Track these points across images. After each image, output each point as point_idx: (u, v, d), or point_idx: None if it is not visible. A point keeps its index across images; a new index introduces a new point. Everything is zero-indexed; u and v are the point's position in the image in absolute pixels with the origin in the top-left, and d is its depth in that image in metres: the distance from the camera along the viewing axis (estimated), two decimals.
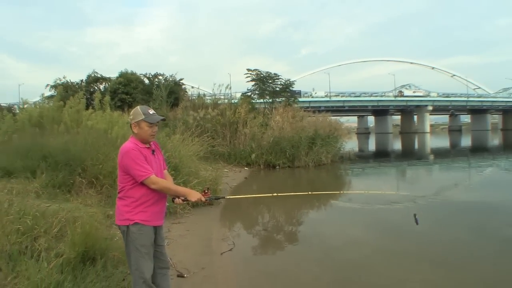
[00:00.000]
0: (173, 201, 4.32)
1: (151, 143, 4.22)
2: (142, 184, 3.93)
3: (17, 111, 20.56)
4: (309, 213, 12.61)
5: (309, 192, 5.08)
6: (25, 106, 18.03)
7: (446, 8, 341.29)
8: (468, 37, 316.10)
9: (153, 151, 4.20)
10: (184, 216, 9.71)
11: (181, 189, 4.32)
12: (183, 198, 4.22)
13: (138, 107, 4.23)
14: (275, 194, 5.11)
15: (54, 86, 32.81)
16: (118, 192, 4.10)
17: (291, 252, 8.16)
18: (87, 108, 15.48)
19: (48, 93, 31.63)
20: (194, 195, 4.15)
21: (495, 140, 61.25)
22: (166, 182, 4.14)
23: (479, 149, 43.32)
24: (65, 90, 26.88)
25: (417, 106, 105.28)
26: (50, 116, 14.47)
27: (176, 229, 8.62)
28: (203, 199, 4.18)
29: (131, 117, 4.13)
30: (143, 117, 4.05)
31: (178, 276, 5.93)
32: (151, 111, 4.15)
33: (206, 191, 4.34)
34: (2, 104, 43.05)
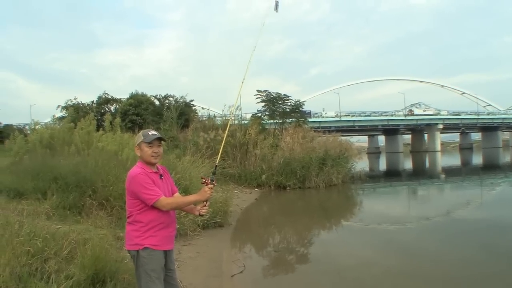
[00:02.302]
0: (201, 215, 4.33)
1: (159, 167, 4.22)
2: (151, 208, 3.93)
3: (29, 132, 20.69)
4: (320, 233, 12.55)
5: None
6: (37, 127, 18.14)
7: (453, 27, 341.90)
8: (476, 54, 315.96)
9: (161, 175, 4.19)
10: (194, 238, 9.68)
11: (191, 196, 4.29)
12: (202, 205, 4.21)
13: (141, 131, 4.27)
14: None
15: (65, 107, 32.99)
16: (127, 217, 4.09)
17: (302, 273, 8.12)
18: (97, 129, 15.54)
19: (59, 114, 31.84)
20: (203, 195, 4.09)
21: (506, 157, 60.89)
22: (175, 199, 4.15)
23: (490, 167, 43.10)
24: (76, 112, 27.09)
25: (427, 124, 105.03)
26: (61, 138, 14.54)
27: (187, 251, 8.58)
28: (210, 186, 4.11)
29: (135, 141, 4.18)
30: (142, 138, 4.08)
31: None
32: (151, 132, 4.17)
33: (206, 180, 4.20)
34: (13, 125, 43.36)
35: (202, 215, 4.36)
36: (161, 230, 4.00)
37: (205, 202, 4.20)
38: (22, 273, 5.00)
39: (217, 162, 4.75)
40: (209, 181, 4.15)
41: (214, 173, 4.37)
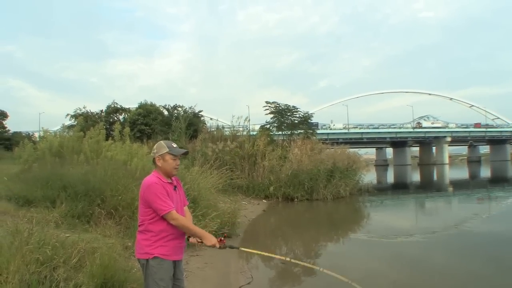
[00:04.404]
0: (187, 240, 4.34)
1: (173, 178, 4.27)
2: (163, 218, 3.97)
3: (38, 140, 20.73)
4: (327, 245, 12.54)
5: (320, 269, 5.24)
6: (46, 135, 18.19)
7: (462, 40, 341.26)
8: (485, 67, 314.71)
9: (175, 187, 4.24)
10: (202, 248, 9.66)
11: (198, 230, 4.31)
12: (199, 239, 4.24)
13: (162, 141, 4.32)
14: (288, 259, 5.15)
15: (74, 116, 33.17)
16: (139, 226, 4.14)
17: (308, 285, 8.11)
18: (106, 139, 15.58)
19: (68, 122, 31.98)
20: (210, 240, 4.18)
21: None
22: (185, 220, 4.16)
23: (498, 180, 42.93)
24: (85, 120, 27.13)
25: (436, 137, 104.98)
26: (70, 146, 14.55)
27: (194, 261, 8.58)
28: (217, 245, 4.19)
29: (155, 150, 4.21)
30: (168, 150, 4.13)
31: None
32: (175, 145, 4.25)
33: (223, 238, 4.36)
34: (22, 132, 43.55)
35: (188, 240, 4.38)
36: (171, 240, 4.05)
37: (202, 242, 4.25)
38: (31, 280, 5.02)
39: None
40: (222, 242, 4.29)
41: (231, 247, 4.50)
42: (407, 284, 7.65)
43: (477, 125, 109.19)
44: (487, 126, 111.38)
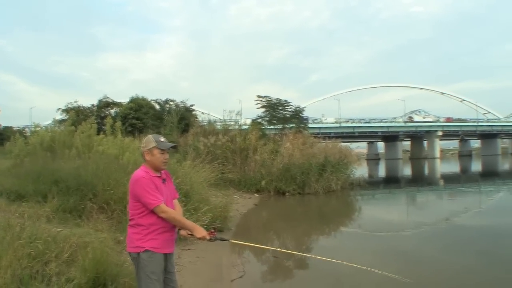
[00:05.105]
0: (178, 232, 4.35)
1: (162, 172, 4.27)
2: (152, 212, 3.98)
3: (29, 135, 20.68)
4: (319, 239, 12.58)
5: (313, 255, 5.35)
6: (37, 129, 18.14)
7: (453, 34, 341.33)
8: (476, 62, 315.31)
9: (164, 180, 4.25)
10: (194, 242, 9.67)
11: (188, 223, 4.33)
12: (189, 232, 4.26)
13: (150, 135, 4.32)
14: (279, 249, 5.21)
15: (66, 110, 33.05)
16: (129, 220, 4.16)
17: (300, 278, 8.13)
18: (98, 133, 15.55)
19: (59, 117, 31.86)
20: (200, 232, 4.19)
21: (505, 165, 60.99)
22: (175, 212, 4.18)
23: (489, 174, 43.19)
24: (76, 115, 27.05)
25: (427, 131, 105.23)
26: (61, 141, 14.54)
27: (187, 255, 8.59)
28: (207, 237, 4.19)
29: (143, 145, 4.21)
30: (155, 144, 4.13)
31: None
32: (163, 139, 4.24)
33: (213, 230, 4.39)
34: (13, 127, 43.40)
35: (178, 232, 4.40)
36: (162, 233, 4.06)
37: (192, 235, 4.27)
38: (23, 275, 5.02)
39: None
40: (213, 235, 4.29)
41: (221, 239, 4.56)
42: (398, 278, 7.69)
43: (448, 119, 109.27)
44: (459, 120, 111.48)
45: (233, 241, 4.87)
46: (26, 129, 35.78)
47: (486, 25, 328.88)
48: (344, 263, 4.96)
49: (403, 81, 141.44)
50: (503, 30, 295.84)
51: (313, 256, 6.02)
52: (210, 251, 8.95)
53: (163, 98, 35.97)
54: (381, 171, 58.53)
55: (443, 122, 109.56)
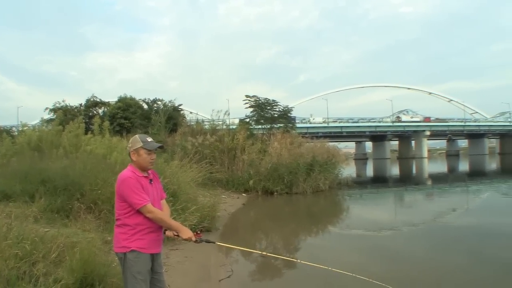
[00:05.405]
0: (164, 233, 4.35)
1: (149, 172, 4.28)
2: (139, 212, 3.99)
3: (16, 134, 20.57)
4: (306, 239, 12.62)
5: (299, 260, 5.48)
6: (24, 129, 18.05)
7: (441, 35, 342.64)
8: (463, 63, 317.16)
9: (151, 180, 4.25)
10: (182, 242, 9.66)
11: (174, 223, 4.33)
12: (175, 232, 4.25)
13: (137, 135, 4.32)
14: (264, 253, 5.21)
15: (53, 110, 32.81)
16: (116, 220, 4.15)
17: (288, 278, 8.16)
18: (86, 132, 15.50)
19: (47, 116, 31.67)
20: (186, 233, 4.19)
21: (492, 164, 61.40)
22: (161, 213, 4.18)
23: (477, 174, 43.42)
24: (64, 114, 26.92)
25: (415, 131, 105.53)
26: (49, 140, 14.48)
27: (175, 255, 8.60)
28: (193, 238, 4.20)
29: (130, 145, 4.21)
30: (142, 144, 4.13)
31: None
32: (149, 139, 4.24)
33: (199, 232, 4.41)
34: (0, 127, 43.11)
35: (164, 233, 4.39)
36: (148, 233, 4.06)
37: (178, 236, 4.26)
38: (10, 276, 5.00)
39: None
40: (198, 236, 4.31)
41: (207, 241, 4.50)
42: (387, 277, 7.72)
43: (426, 119, 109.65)
44: (438, 120, 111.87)
45: (219, 243, 4.87)
46: (14, 129, 35.51)
47: (474, 26, 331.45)
48: (330, 268, 4.96)
49: (391, 81, 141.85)
50: (491, 31, 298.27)
51: (299, 261, 6.03)
52: (198, 251, 8.94)
53: (152, 98, 35.85)
54: (369, 171, 58.72)
55: (423, 122, 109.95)
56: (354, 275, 5.10)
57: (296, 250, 10.93)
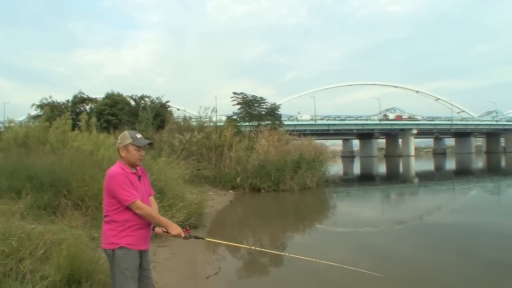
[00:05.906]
0: (153, 230, 4.35)
1: (138, 168, 4.28)
2: (128, 208, 3.99)
3: (2, 130, 20.43)
4: (293, 236, 12.66)
5: (286, 254, 5.58)
6: (11, 125, 17.93)
7: (429, 34, 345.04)
8: (451, 62, 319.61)
9: (140, 176, 4.26)
10: (169, 239, 9.66)
11: (163, 219, 4.34)
12: (164, 229, 4.26)
13: (126, 131, 4.31)
14: (253, 248, 5.24)
15: (40, 106, 32.63)
16: (104, 216, 4.15)
17: (275, 275, 8.19)
18: (73, 129, 15.43)
19: (34, 112, 31.50)
20: (175, 229, 4.21)
21: (479, 163, 61.94)
22: (150, 209, 4.18)
23: (463, 172, 43.73)
24: (51, 110, 26.75)
25: (402, 129, 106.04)
26: (36, 136, 14.39)
27: (162, 252, 8.60)
28: (182, 234, 4.23)
29: (119, 141, 4.20)
30: (131, 140, 4.12)
31: None
32: (139, 135, 4.24)
33: (188, 228, 4.43)
34: None
35: (153, 230, 4.39)
36: (137, 230, 4.06)
37: (167, 232, 4.27)
38: None
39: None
40: (187, 232, 4.33)
41: (196, 237, 4.54)
42: (373, 269, 7.76)
43: (398, 117, 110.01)
44: (410, 118, 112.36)
45: (208, 239, 4.89)
46: (0, 125, 35.33)
47: (462, 25, 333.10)
48: (318, 260, 4.99)
49: (379, 80, 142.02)
50: (478, 32, 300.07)
51: (286, 254, 6.07)
52: (185, 248, 8.95)
53: (139, 94, 35.73)
54: (356, 169, 58.95)
55: (419, 120, 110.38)
56: (341, 265, 5.10)
57: (284, 247, 10.93)
